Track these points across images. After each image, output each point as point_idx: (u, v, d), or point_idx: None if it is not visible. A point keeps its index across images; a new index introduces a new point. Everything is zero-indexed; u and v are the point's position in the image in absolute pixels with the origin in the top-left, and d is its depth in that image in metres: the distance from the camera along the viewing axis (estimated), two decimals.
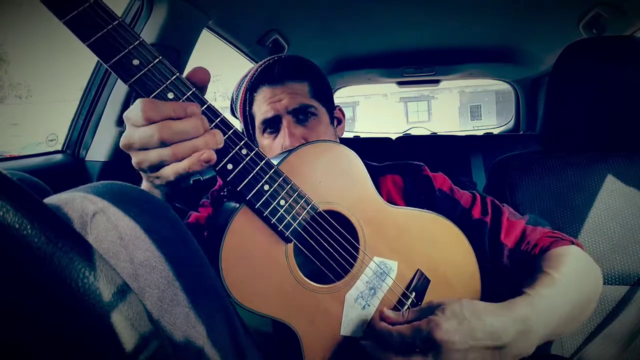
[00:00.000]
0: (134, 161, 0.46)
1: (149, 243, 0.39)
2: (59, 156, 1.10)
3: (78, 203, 0.37)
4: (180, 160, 0.44)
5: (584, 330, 0.75)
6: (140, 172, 0.48)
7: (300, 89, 0.74)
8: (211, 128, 0.47)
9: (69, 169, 1.08)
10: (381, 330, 0.51)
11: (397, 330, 0.48)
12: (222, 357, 0.43)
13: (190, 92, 0.46)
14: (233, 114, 0.88)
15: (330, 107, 0.80)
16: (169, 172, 0.45)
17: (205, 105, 0.47)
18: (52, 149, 1.12)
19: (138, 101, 0.43)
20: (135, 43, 0.43)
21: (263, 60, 0.77)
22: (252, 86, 0.76)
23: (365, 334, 0.55)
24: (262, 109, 0.74)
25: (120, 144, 0.46)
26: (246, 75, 0.79)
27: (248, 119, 0.78)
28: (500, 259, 0.66)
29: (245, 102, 0.77)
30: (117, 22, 0.42)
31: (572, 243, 0.66)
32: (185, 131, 0.43)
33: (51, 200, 0.37)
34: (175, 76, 0.45)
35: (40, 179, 0.55)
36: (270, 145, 0.74)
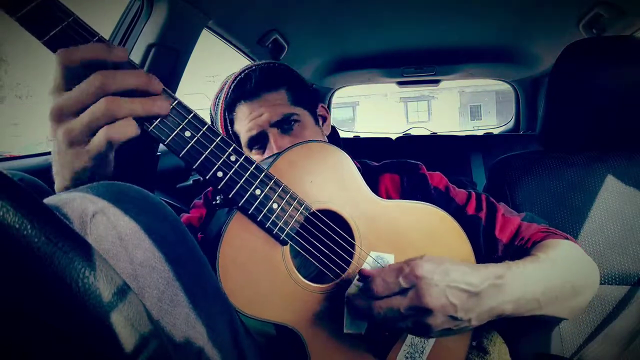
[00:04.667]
0: (61, 132, 0.41)
1: (148, 243, 0.39)
2: None
3: (78, 203, 0.37)
4: (114, 121, 0.40)
5: (584, 330, 0.75)
6: (63, 153, 0.43)
7: (278, 99, 0.72)
8: (198, 136, 0.46)
9: None
10: (364, 280, 0.51)
11: (378, 274, 0.50)
12: (222, 357, 0.43)
13: (176, 102, 0.45)
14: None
15: (313, 107, 0.78)
16: (101, 138, 0.40)
17: (192, 115, 0.46)
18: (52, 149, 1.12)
19: (55, 58, 0.40)
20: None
21: (234, 75, 0.74)
22: (229, 105, 0.73)
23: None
24: (244, 127, 0.72)
25: (50, 113, 0.42)
26: (220, 92, 0.76)
27: (232, 137, 0.75)
28: (495, 254, 0.67)
29: (225, 122, 0.74)
30: (97, 38, 0.42)
31: (567, 239, 0.66)
32: (125, 79, 0.40)
33: (51, 200, 0.37)
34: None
35: (40, 179, 0.55)
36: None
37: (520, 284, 0.53)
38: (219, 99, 0.75)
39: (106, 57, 0.41)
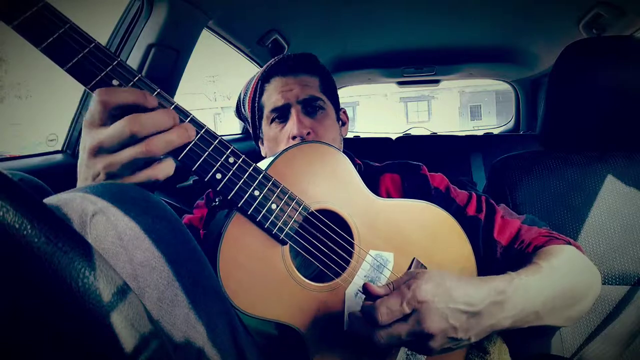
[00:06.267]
0: (100, 166, 0.43)
1: (148, 243, 0.39)
2: (59, 156, 1.09)
3: (78, 203, 0.37)
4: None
5: (584, 330, 0.75)
6: (109, 178, 0.45)
7: (311, 82, 0.77)
8: (196, 139, 0.47)
9: (69, 169, 1.07)
10: (365, 307, 0.49)
11: (381, 302, 0.48)
12: (222, 357, 0.43)
13: (173, 105, 0.46)
14: (238, 114, 0.88)
15: (337, 106, 0.83)
16: (146, 173, 0.44)
17: (189, 118, 0.47)
18: (52, 149, 1.12)
19: (94, 95, 0.43)
20: (114, 63, 0.44)
21: (277, 56, 0.80)
22: (265, 77, 0.78)
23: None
24: (272, 98, 0.75)
25: (86, 149, 0.44)
26: (256, 74, 0.81)
27: (256, 109, 0.79)
28: (494, 256, 0.67)
29: (255, 92, 0.79)
30: (93, 45, 0.43)
31: (569, 244, 0.65)
32: (156, 122, 0.43)
33: (51, 200, 0.37)
34: (156, 92, 0.46)
35: (40, 179, 0.55)
36: (277, 136, 0.75)
37: (521, 298, 0.52)
38: (256, 75, 0.81)
39: (142, 103, 0.43)
